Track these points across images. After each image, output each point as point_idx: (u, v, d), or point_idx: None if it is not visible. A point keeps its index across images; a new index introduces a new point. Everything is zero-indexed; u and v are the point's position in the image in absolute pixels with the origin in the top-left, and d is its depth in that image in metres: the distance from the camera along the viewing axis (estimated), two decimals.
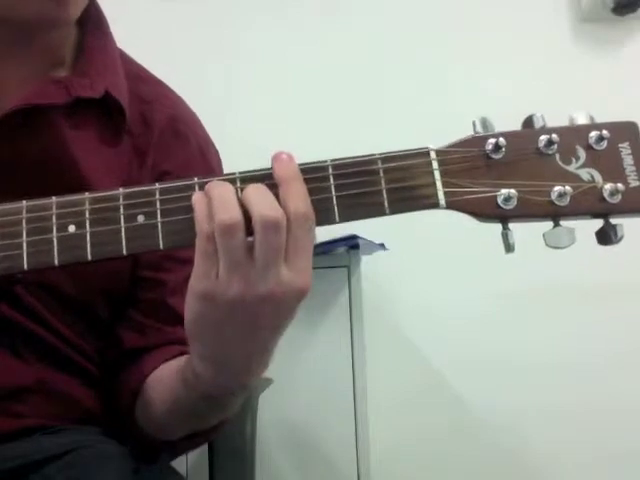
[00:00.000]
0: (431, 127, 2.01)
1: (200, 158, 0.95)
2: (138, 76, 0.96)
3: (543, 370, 2.00)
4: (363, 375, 1.77)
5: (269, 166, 0.66)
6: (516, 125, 0.68)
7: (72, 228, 0.65)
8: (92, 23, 0.92)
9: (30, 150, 0.84)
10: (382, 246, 1.73)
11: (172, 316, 0.88)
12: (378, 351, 1.93)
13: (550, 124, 0.66)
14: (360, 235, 1.58)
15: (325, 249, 1.55)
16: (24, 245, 0.65)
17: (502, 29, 2.13)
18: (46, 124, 0.85)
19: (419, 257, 2.01)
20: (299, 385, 1.73)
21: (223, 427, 0.87)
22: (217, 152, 1.00)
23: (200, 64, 2.04)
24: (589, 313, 2.02)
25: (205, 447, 1.27)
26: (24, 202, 0.67)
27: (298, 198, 0.63)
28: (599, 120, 0.67)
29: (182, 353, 0.83)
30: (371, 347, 1.85)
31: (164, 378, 0.83)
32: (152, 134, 0.92)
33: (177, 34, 2.09)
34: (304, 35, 2.14)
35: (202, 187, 0.65)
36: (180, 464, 1.56)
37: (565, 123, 0.67)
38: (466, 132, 0.68)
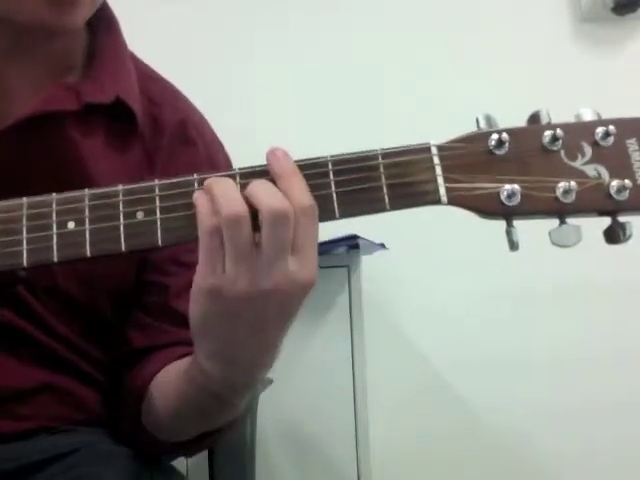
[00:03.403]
0: (431, 127, 2.02)
1: (207, 163, 0.94)
2: (148, 76, 0.96)
3: (544, 369, 2.00)
4: (363, 375, 1.77)
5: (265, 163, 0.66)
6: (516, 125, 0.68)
7: (72, 225, 0.65)
8: (103, 24, 0.92)
9: (41, 157, 0.84)
10: (382, 246, 1.73)
11: (177, 318, 0.87)
12: (378, 351, 1.93)
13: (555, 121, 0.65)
14: (360, 235, 1.58)
15: (325, 249, 1.55)
16: (24, 242, 0.65)
17: (502, 29, 2.13)
18: (57, 131, 0.85)
19: (419, 257, 2.02)
20: (299, 385, 1.73)
21: (232, 428, 0.86)
22: (226, 155, 0.99)
23: (200, 64, 2.04)
24: (591, 312, 2.02)
25: None
26: (24, 199, 0.66)
27: (300, 191, 0.63)
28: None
29: (188, 354, 0.82)
30: (371, 347, 1.85)
31: (170, 380, 0.82)
32: (162, 138, 0.92)
33: (177, 35, 2.09)
34: (304, 35, 2.14)
35: (202, 184, 0.65)
36: (180, 464, 1.56)
37: (567, 121, 0.66)
38: (466, 131, 0.67)
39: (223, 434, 0.86)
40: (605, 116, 0.65)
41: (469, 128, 0.67)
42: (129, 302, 0.91)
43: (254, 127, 1.98)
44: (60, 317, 0.86)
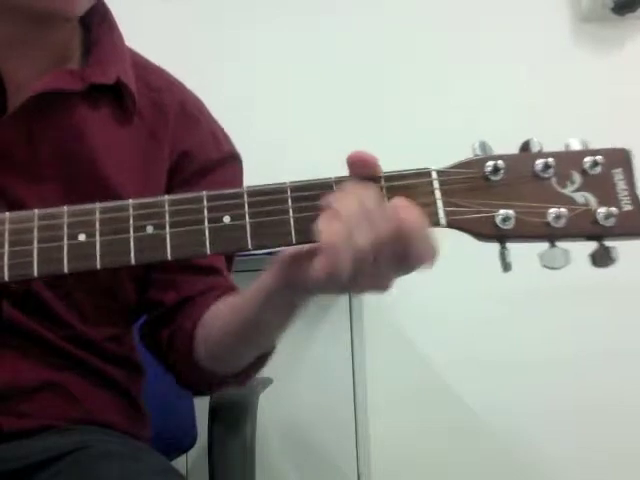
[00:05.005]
0: (430, 126, 2.04)
1: (211, 138, 1.00)
2: (144, 66, 1.00)
3: (541, 368, 2.01)
4: (363, 375, 1.78)
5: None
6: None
7: (82, 237, 0.66)
8: (99, 18, 0.96)
9: (50, 134, 0.88)
10: None
11: (202, 269, 0.94)
12: (378, 351, 1.93)
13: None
14: None
15: None
16: (35, 252, 0.66)
17: (502, 29, 2.14)
18: (64, 109, 0.89)
19: None
20: (299, 385, 1.74)
21: (272, 353, 0.90)
22: (223, 130, 1.04)
23: (199, 63, 2.04)
24: (586, 311, 2.03)
25: (205, 447, 1.28)
26: (36, 210, 0.68)
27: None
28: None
29: (225, 293, 0.89)
30: (371, 347, 1.86)
31: (223, 311, 0.87)
32: (167, 120, 0.97)
33: (177, 35, 2.09)
34: (304, 35, 2.15)
35: (210, 200, 0.66)
36: (180, 464, 1.57)
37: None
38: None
39: (267, 358, 0.90)
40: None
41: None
42: (146, 272, 0.95)
43: (254, 127, 1.98)
44: (76, 306, 0.88)
